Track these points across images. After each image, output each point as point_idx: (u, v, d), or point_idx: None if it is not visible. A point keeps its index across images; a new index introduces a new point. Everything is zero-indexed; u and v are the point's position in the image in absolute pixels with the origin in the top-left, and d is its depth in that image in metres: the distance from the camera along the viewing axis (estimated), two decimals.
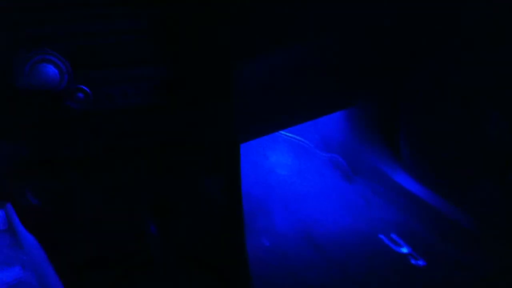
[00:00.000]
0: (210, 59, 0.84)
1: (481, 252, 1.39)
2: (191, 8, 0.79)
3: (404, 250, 1.49)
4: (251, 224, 1.58)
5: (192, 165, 0.92)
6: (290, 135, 2.03)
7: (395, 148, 1.68)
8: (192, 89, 0.84)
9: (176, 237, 0.93)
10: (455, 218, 1.47)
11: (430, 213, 1.55)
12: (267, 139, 1.98)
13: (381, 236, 1.55)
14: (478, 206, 1.42)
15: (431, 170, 1.57)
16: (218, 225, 0.98)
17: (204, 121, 0.89)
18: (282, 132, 2.03)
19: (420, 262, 1.43)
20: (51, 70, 0.69)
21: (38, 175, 0.81)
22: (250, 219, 1.60)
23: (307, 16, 0.95)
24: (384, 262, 1.44)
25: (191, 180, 0.93)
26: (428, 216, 1.56)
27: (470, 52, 1.33)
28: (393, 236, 1.55)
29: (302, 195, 1.75)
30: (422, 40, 1.27)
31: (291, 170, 1.89)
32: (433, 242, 1.50)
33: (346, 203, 1.71)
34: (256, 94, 1.10)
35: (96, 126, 0.80)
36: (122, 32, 0.76)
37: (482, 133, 1.35)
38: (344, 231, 1.57)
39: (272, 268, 1.40)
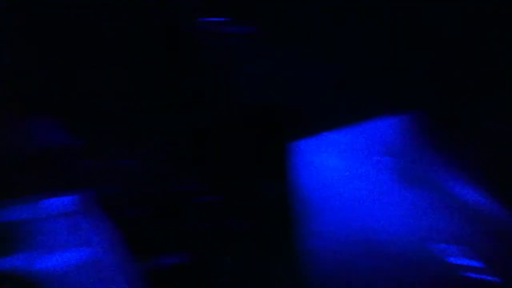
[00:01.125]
0: None
1: None
2: None
3: (455, 260, 1.47)
4: (306, 227, 1.60)
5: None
6: (345, 137, 2.02)
7: (453, 156, 1.65)
8: None
9: None
10: None
11: (488, 223, 1.51)
12: (321, 141, 1.98)
13: (433, 245, 1.53)
14: None
15: (491, 182, 1.53)
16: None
17: None
18: (336, 134, 2.03)
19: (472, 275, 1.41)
20: None
21: None
22: (305, 223, 1.62)
23: None
24: (434, 272, 1.43)
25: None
26: (485, 226, 1.52)
27: None
28: (444, 245, 1.53)
29: (357, 199, 1.75)
30: None
31: (346, 173, 1.89)
32: (485, 249, 1.46)
33: (401, 210, 1.70)
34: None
35: None
36: None
37: None
38: (397, 239, 1.57)
39: (323, 272, 1.43)
